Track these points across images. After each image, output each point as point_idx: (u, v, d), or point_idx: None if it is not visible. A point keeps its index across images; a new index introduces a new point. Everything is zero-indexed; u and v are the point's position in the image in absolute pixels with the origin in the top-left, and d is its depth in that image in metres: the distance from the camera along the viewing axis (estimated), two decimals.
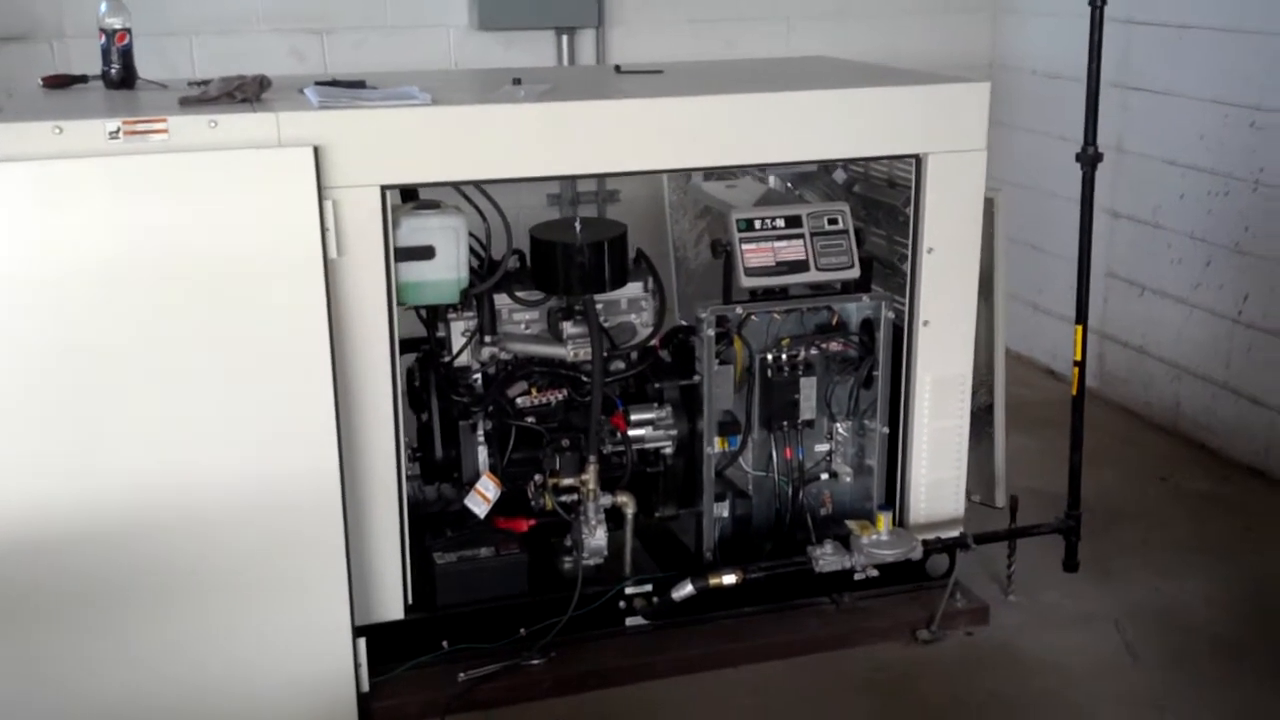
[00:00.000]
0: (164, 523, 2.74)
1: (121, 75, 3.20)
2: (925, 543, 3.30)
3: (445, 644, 3.11)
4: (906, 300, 3.32)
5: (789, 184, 3.94)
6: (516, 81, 3.25)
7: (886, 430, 3.37)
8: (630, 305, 3.39)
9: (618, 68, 3.74)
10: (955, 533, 3.41)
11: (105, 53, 3.19)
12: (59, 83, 3.30)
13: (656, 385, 3.36)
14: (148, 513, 2.72)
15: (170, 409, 2.71)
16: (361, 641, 2.94)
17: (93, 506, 2.70)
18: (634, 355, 3.37)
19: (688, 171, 4.08)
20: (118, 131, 2.68)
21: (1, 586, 2.66)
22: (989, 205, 3.37)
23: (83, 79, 3.31)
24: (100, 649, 2.75)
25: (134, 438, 2.70)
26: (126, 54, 3.21)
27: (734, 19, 5.29)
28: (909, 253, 3.30)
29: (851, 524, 3.28)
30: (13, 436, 2.63)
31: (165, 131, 2.70)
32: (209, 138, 2.72)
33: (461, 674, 3.05)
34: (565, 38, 5.07)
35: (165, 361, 2.69)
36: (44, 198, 2.59)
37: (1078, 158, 3.45)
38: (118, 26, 3.17)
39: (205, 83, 3.12)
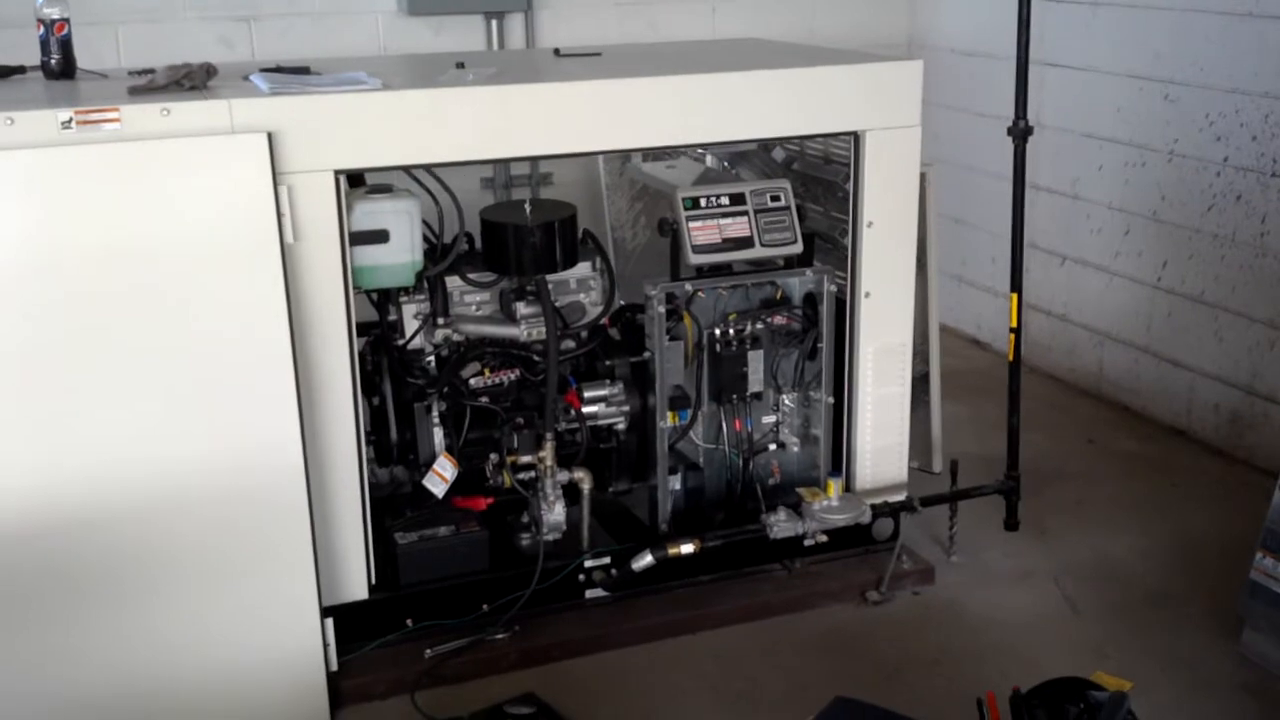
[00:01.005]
0: (131, 509, 2.74)
1: (62, 65, 3.16)
2: (873, 507, 3.41)
3: (410, 622, 3.16)
4: (848, 273, 3.42)
5: (726, 163, 4.02)
6: (460, 65, 3.28)
7: (832, 400, 3.47)
8: (579, 285, 3.44)
9: (557, 51, 3.78)
10: (900, 496, 3.53)
11: (44, 43, 3.15)
12: None
13: (608, 363, 3.43)
14: (114, 499, 2.72)
15: (132, 397, 2.71)
16: (329, 621, 2.97)
17: (58, 495, 2.69)
18: (585, 334, 3.43)
19: (633, 151, 4.14)
20: (70, 121, 2.66)
21: None
22: (921, 180, 3.48)
23: (20, 69, 3.27)
24: (70, 636, 2.75)
25: (96, 426, 2.70)
26: (66, 44, 3.17)
27: (658, 2, 5.36)
28: (849, 227, 3.40)
29: (802, 491, 3.38)
30: None
31: (118, 121, 2.69)
32: (162, 126, 2.72)
33: (428, 650, 3.10)
34: (494, 22, 5.10)
35: (126, 350, 2.69)
36: None
37: (1009, 132, 3.56)
38: (56, 16, 3.13)
39: (148, 71, 3.11)
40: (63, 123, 2.66)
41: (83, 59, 3.21)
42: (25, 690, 2.75)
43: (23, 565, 2.70)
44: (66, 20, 3.14)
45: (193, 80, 2.95)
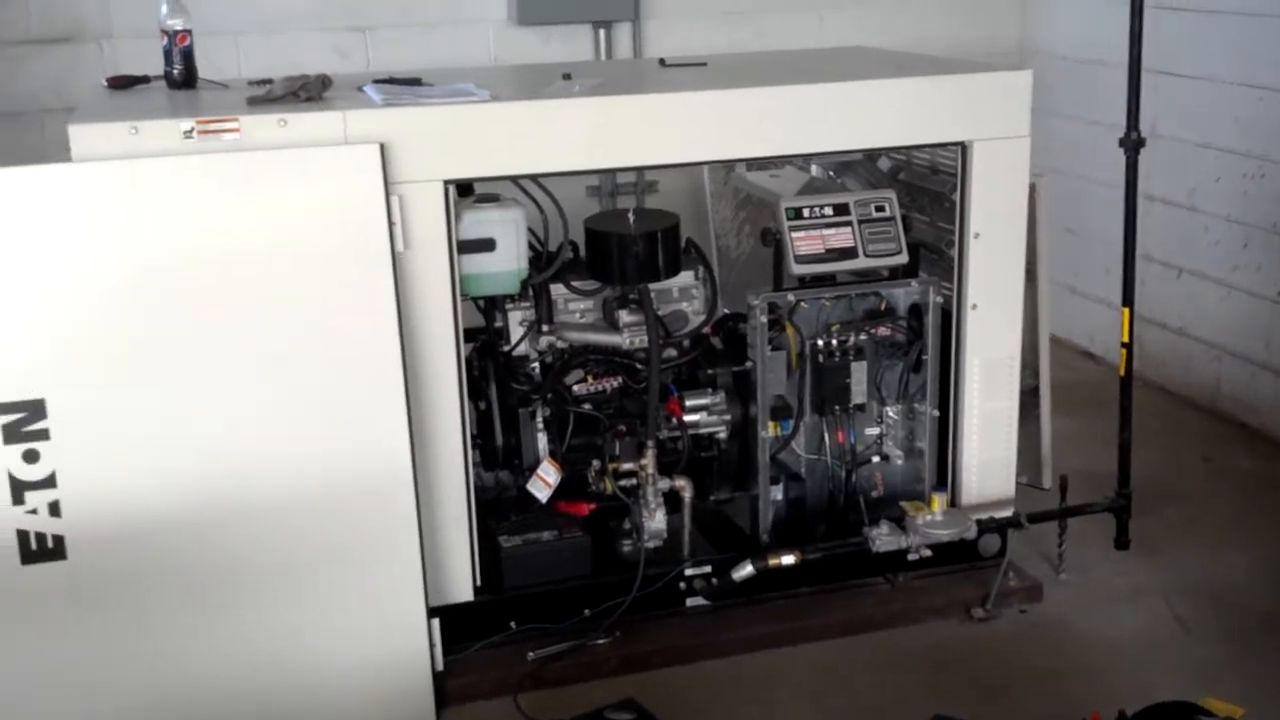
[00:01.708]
0: (243, 511, 2.81)
1: (184, 76, 3.27)
2: (979, 522, 3.36)
3: (513, 624, 3.20)
4: (954, 284, 3.38)
5: (831, 172, 4.00)
6: (567, 76, 3.31)
7: (937, 413, 3.43)
8: (682, 294, 3.46)
9: (662, 61, 3.80)
10: (1007, 513, 3.48)
11: (167, 53, 3.26)
12: (123, 83, 3.37)
13: (709, 371, 3.43)
14: (226, 501, 2.80)
15: (245, 400, 2.79)
16: (435, 622, 3.02)
17: (171, 495, 2.77)
18: (687, 342, 3.44)
19: (737, 162, 4.14)
20: (191, 131, 2.76)
21: (86, 575, 2.74)
22: (1031, 190, 3.43)
23: (145, 79, 3.39)
24: (179, 633, 2.83)
25: (210, 428, 2.77)
26: (188, 55, 3.27)
27: (766, 10, 5.35)
28: (956, 238, 3.36)
29: (906, 505, 3.34)
30: (93, 428, 2.71)
31: (237, 130, 2.78)
32: (279, 136, 2.80)
33: (530, 653, 3.14)
34: (602, 31, 5.14)
35: (242, 354, 2.76)
36: (122, 196, 2.67)
37: (1121, 143, 3.49)
38: (179, 28, 3.24)
39: (266, 82, 3.20)
40: (184, 132, 2.75)
41: (203, 68, 3.32)
42: (134, 686, 2.83)
43: (136, 564, 2.78)
44: (189, 32, 3.25)
45: (309, 91, 3.03)
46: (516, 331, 3.33)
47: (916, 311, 3.42)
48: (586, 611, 3.23)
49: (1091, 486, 3.72)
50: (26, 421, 2.66)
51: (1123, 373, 3.63)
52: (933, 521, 3.29)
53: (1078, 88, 5.20)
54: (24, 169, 2.62)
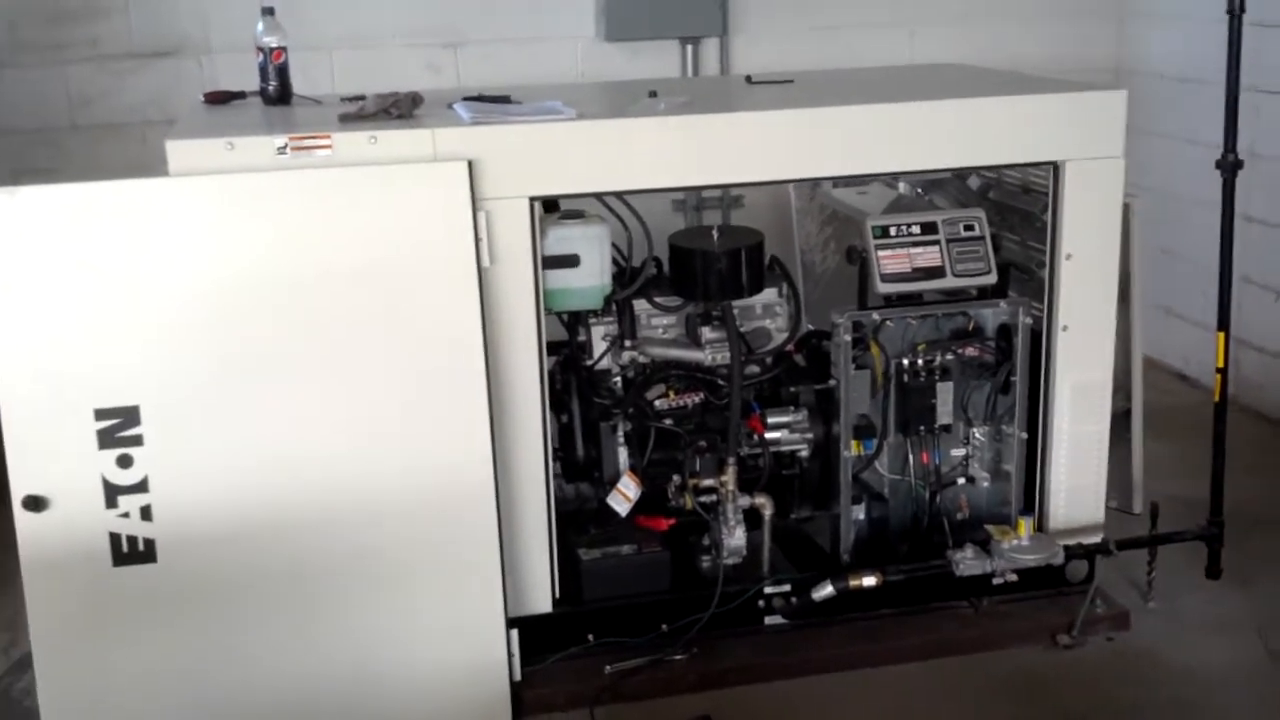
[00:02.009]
0: (326, 518, 2.86)
1: (279, 92, 3.34)
2: (1066, 548, 3.30)
3: (591, 637, 3.20)
4: (1045, 306, 3.33)
5: (919, 190, 3.97)
6: (653, 94, 3.32)
7: (1025, 435, 3.38)
8: (765, 310, 3.46)
9: (749, 78, 3.80)
10: (1096, 538, 3.41)
11: (263, 70, 3.33)
12: (220, 99, 3.46)
13: (792, 389, 3.42)
14: (311, 509, 2.86)
15: (335, 410, 2.84)
16: (514, 632, 3.04)
17: (258, 502, 2.83)
18: (769, 359, 3.43)
19: (823, 180, 4.12)
20: (285, 147, 2.82)
21: (174, 578, 2.81)
22: (1125, 211, 3.37)
23: (241, 95, 3.47)
24: (266, 636, 2.89)
25: (300, 437, 2.83)
26: (283, 71, 3.35)
27: (856, 25, 5.32)
28: (1047, 259, 3.31)
29: (991, 528, 3.30)
30: (185, 435, 2.78)
31: (329, 147, 2.84)
32: (369, 153, 2.85)
33: (608, 666, 3.14)
34: (690, 47, 5.15)
35: (331, 365, 2.82)
36: (218, 210, 2.74)
37: (1218, 165, 3.41)
38: (274, 45, 3.31)
39: (359, 98, 3.26)
40: (278, 148, 2.81)
41: (297, 82, 3.39)
42: (216, 687, 2.89)
43: (222, 568, 2.84)
44: (284, 49, 3.32)
45: (400, 109, 3.07)
46: (599, 346, 3.35)
47: (1005, 332, 3.38)
48: (664, 627, 3.23)
49: (1183, 513, 3.63)
50: (121, 427, 2.73)
51: (1217, 397, 3.55)
52: (1019, 546, 3.24)
53: (1176, 107, 5.09)
54: (124, 182, 2.70)
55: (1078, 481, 3.41)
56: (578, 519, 3.42)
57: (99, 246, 2.69)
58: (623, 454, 3.32)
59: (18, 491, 2.71)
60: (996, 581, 3.28)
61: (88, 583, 2.78)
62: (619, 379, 3.38)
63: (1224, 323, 3.50)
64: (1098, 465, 3.42)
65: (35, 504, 2.71)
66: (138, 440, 2.74)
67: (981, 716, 3.05)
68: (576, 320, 3.36)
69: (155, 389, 2.74)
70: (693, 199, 5.20)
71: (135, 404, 2.73)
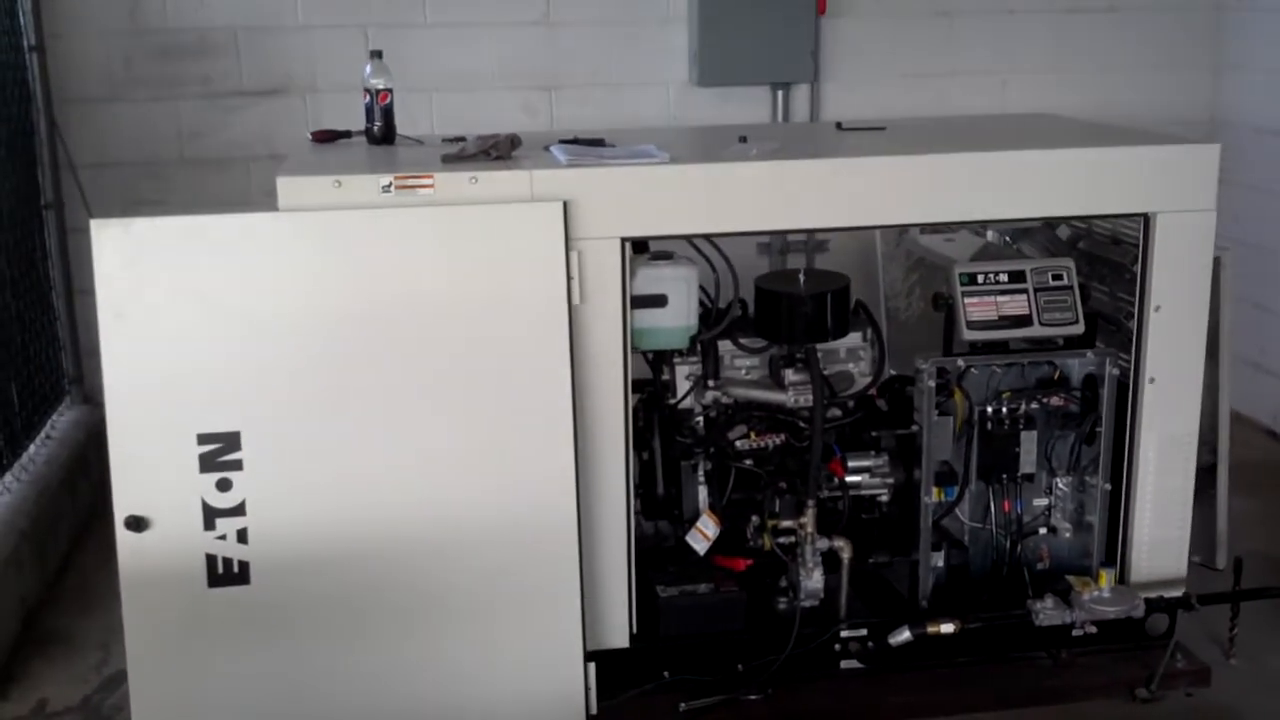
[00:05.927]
0: (417, 547, 2.94)
1: (384, 132, 3.44)
2: (1147, 601, 3.27)
3: (666, 674, 3.24)
4: (1132, 357, 3.32)
5: (1008, 238, 3.98)
6: (743, 139, 3.38)
7: (1109, 487, 3.36)
8: (849, 354, 3.48)
9: (840, 124, 3.84)
10: (1177, 592, 3.38)
11: (369, 110, 3.44)
12: (326, 138, 3.58)
13: (873, 433, 3.44)
14: (397, 539, 2.94)
15: (425, 441, 2.92)
16: (591, 666, 3.09)
17: (354, 528, 2.92)
18: (851, 403, 3.46)
19: (913, 227, 4.14)
20: (390, 186, 2.92)
21: (266, 600, 2.90)
22: (1216, 264, 3.35)
23: (346, 134, 3.59)
24: (351, 660, 2.96)
25: (392, 467, 2.92)
26: (388, 112, 3.45)
27: (946, 74, 5.34)
28: (1135, 310, 3.31)
29: (1072, 579, 3.28)
30: (282, 462, 2.87)
31: (432, 186, 2.94)
32: (469, 193, 2.95)
33: (682, 704, 3.17)
34: (780, 93, 5.21)
35: (424, 398, 2.91)
36: (324, 245, 2.85)
37: None
38: (381, 86, 3.42)
39: (460, 139, 3.36)
40: (383, 186, 2.92)
41: (401, 122, 3.49)
42: (301, 709, 2.96)
43: (312, 592, 2.92)
44: (390, 90, 3.43)
45: (499, 150, 3.16)
46: (683, 385, 3.40)
47: (1091, 382, 3.37)
48: (740, 666, 3.25)
49: (1268, 570, 3.59)
50: (222, 452, 2.84)
51: None
52: (1099, 597, 3.22)
53: (1270, 159, 5.04)
54: (235, 215, 2.83)
55: (1161, 534, 3.39)
56: (656, 556, 3.46)
57: (208, 277, 2.80)
58: (703, 493, 3.37)
59: (120, 511, 2.81)
60: (1076, 633, 3.27)
61: (183, 603, 2.88)
62: (701, 419, 3.43)
63: None
64: (1182, 519, 3.40)
65: (137, 524, 2.81)
66: (237, 465, 2.84)
67: None
68: (661, 359, 3.41)
69: (256, 415, 2.85)
70: (778, 242, 5.24)
71: (237, 430, 2.84)
